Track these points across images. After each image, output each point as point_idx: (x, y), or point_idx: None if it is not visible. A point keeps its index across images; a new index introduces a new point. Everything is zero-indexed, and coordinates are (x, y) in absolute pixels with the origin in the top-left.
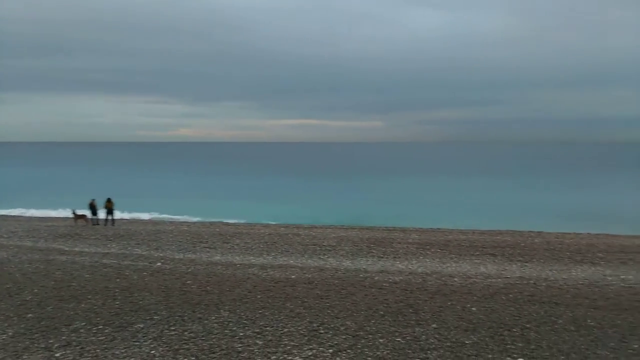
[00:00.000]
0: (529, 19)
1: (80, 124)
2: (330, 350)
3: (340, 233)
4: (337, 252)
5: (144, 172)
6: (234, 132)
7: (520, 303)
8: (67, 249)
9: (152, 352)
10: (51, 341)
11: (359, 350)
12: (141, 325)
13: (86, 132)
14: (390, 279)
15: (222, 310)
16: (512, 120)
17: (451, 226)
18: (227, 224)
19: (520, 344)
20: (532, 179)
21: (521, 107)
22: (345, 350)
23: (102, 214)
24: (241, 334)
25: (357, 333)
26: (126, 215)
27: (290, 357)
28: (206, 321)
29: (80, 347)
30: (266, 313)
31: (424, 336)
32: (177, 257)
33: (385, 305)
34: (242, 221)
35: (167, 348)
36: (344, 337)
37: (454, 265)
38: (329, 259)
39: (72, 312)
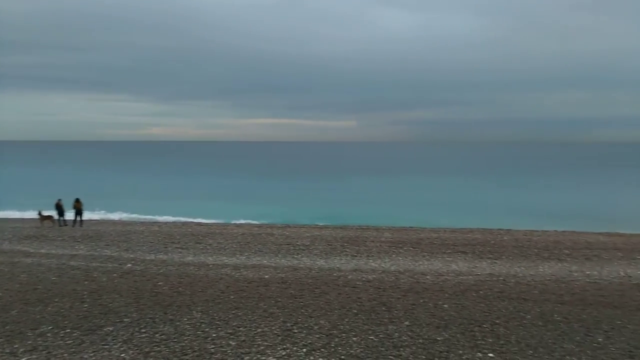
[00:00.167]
0: (497, 23)
1: (45, 122)
2: (304, 350)
3: (314, 232)
4: (311, 252)
5: (113, 171)
6: (206, 131)
7: (490, 299)
8: (32, 251)
9: (122, 355)
10: (16, 346)
11: (333, 349)
12: (111, 328)
13: (52, 131)
14: (363, 277)
15: (194, 312)
16: (478, 121)
17: (423, 224)
18: (200, 224)
19: (490, 340)
20: (500, 178)
21: (487, 108)
22: (319, 349)
23: (69, 215)
24: (214, 335)
25: (331, 332)
26: (95, 216)
27: (263, 358)
28: (178, 323)
29: (47, 351)
30: (239, 313)
31: (396, 334)
32: (148, 258)
33: (358, 303)
34: (215, 221)
35: (137, 351)
36: (317, 336)
37: (426, 263)
38: (303, 259)
39: (38, 316)
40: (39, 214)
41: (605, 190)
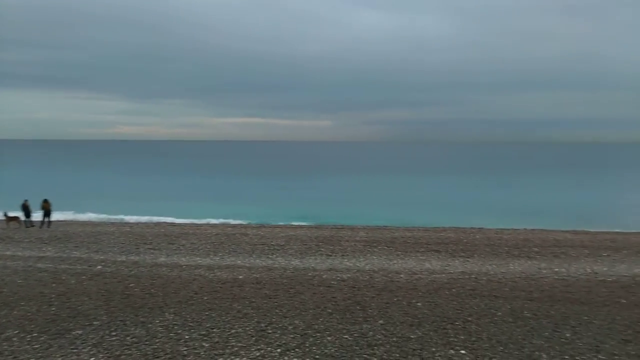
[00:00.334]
0: (470, 26)
1: (10, 120)
2: (279, 350)
3: (289, 232)
4: (286, 251)
5: (82, 171)
6: (178, 130)
7: (463, 297)
8: None
9: (92, 359)
10: None
11: (307, 349)
12: (80, 332)
13: (17, 129)
14: (338, 276)
15: (166, 313)
16: (450, 121)
17: (397, 224)
18: (173, 225)
19: (462, 337)
20: (471, 177)
21: (459, 109)
22: (293, 350)
23: (37, 216)
24: (187, 336)
25: (306, 332)
26: (64, 217)
27: (237, 359)
28: (150, 325)
29: (12, 356)
30: (213, 314)
31: (371, 332)
32: (119, 259)
33: (333, 303)
34: (188, 221)
35: (107, 354)
36: (292, 336)
37: (400, 262)
38: (278, 259)
39: (3, 320)
40: (5, 215)
41: (572, 189)
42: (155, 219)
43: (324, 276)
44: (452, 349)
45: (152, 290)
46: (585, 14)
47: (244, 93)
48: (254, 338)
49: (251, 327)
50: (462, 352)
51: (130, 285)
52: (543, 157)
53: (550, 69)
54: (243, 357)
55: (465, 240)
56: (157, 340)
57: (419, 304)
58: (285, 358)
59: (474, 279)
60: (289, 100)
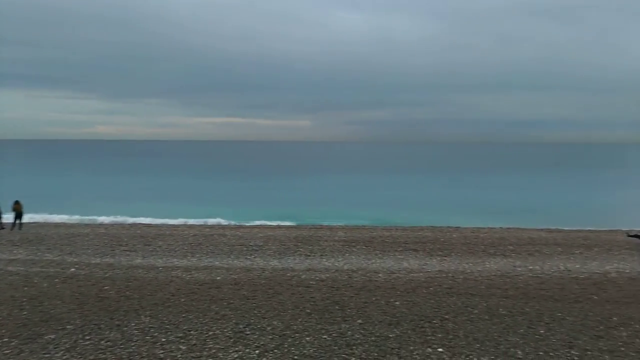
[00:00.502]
0: (447, 29)
1: None
2: (257, 352)
3: (268, 232)
4: (265, 252)
5: (57, 171)
6: (157, 129)
7: (440, 295)
8: None
9: None
10: None
11: (286, 350)
12: (52, 336)
13: None
14: (317, 276)
15: (142, 316)
16: (432, 121)
17: (376, 223)
18: (149, 226)
19: (439, 335)
20: (450, 176)
21: (438, 109)
22: (272, 351)
23: (8, 218)
24: (163, 339)
25: (284, 332)
26: (36, 218)
27: None
28: (125, 328)
29: None
30: (190, 316)
31: (349, 332)
32: (93, 261)
33: (312, 303)
34: (165, 222)
35: (81, 359)
36: (270, 337)
37: (378, 261)
38: (256, 259)
39: None
40: None
41: (546, 188)
42: (131, 220)
43: (302, 276)
44: (429, 347)
45: (127, 292)
46: (559, 17)
47: (224, 93)
48: (232, 340)
49: (229, 329)
50: (440, 350)
51: (105, 288)
52: (519, 157)
53: (526, 71)
54: (221, 359)
55: (442, 239)
56: (132, 344)
57: (397, 303)
58: (264, 359)
59: (451, 277)
60: (267, 100)
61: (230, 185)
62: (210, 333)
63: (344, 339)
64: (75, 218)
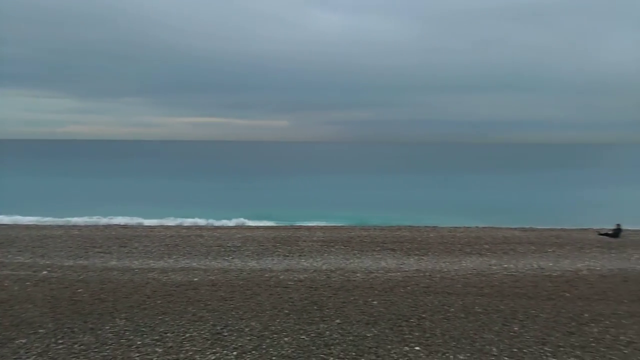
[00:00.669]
0: (428, 31)
1: None
2: (235, 353)
3: (246, 233)
4: (242, 253)
5: (28, 171)
6: (133, 129)
7: (417, 295)
8: None
9: None
10: None
11: (264, 351)
12: (23, 341)
13: None
14: (295, 277)
15: (117, 319)
16: (409, 122)
17: (354, 223)
18: (125, 227)
19: (417, 334)
20: (427, 176)
21: (417, 110)
22: (250, 352)
23: None
24: (139, 342)
25: (262, 333)
26: (6, 219)
27: None
28: (99, 331)
29: None
30: (166, 319)
31: (327, 332)
32: (66, 264)
33: (290, 303)
34: (141, 223)
35: None
36: (248, 338)
37: (356, 261)
38: (234, 260)
39: None
40: None
41: (520, 187)
42: (106, 220)
43: (280, 277)
44: (407, 345)
45: (101, 295)
46: (535, 21)
47: (201, 92)
48: (209, 341)
49: (206, 331)
50: (417, 348)
51: (79, 290)
52: (494, 157)
53: (504, 74)
54: None
55: (419, 239)
56: (107, 347)
57: (374, 302)
58: None
59: (428, 276)
60: (245, 100)
61: (208, 185)
62: (187, 335)
63: (322, 339)
64: (47, 219)
